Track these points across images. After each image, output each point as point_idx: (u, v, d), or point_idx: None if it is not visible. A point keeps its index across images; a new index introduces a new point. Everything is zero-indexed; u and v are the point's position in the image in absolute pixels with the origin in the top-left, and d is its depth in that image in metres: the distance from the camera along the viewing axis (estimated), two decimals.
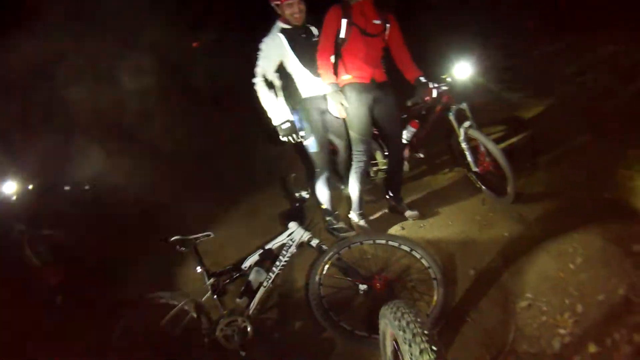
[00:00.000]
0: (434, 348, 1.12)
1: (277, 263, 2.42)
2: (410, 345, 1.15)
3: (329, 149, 3.03)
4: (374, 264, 2.56)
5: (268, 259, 2.48)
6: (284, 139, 2.84)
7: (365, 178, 3.00)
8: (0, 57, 3.76)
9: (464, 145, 2.94)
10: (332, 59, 2.71)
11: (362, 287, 2.33)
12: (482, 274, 2.40)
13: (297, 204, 2.59)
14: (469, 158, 2.97)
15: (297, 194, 2.58)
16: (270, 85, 2.81)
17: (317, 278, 2.35)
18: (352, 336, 2.19)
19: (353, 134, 2.84)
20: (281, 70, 2.83)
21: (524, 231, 2.57)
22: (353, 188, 2.98)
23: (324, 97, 2.79)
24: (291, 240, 2.46)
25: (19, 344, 2.56)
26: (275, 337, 2.54)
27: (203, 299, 2.42)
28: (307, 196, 2.58)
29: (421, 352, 1.12)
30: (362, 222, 3.02)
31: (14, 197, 3.31)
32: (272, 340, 2.52)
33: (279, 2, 2.69)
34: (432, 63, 3.25)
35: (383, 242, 2.51)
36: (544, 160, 3.17)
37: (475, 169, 2.97)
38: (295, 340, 2.50)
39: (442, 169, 3.70)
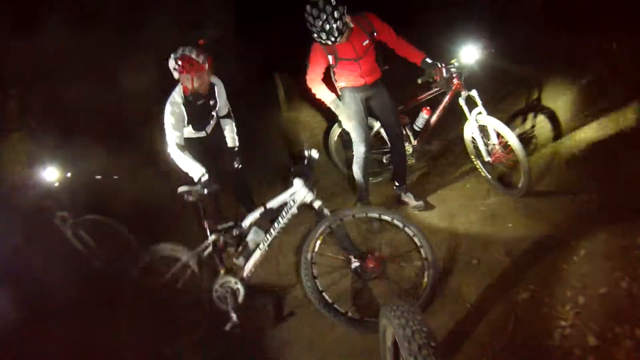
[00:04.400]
0: (432, 344, 1.14)
1: (276, 225, 2.31)
2: (409, 342, 1.17)
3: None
4: (367, 239, 2.53)
5: (268, 217, 2.37)
6: (205, 191, 2.40)
7: (367, 168, 3.02)
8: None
9: (475, 133, 2.86)
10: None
11: (355, 264, 2.28)
12: (485, 264, 2.37)
13: (306, 161, 2.37)
14: (481, 147, 2.87)
15: (307, 152, 2.39)
16: (182, 148, 2.65)
17: (309, 256, 2.22)
18: (345, 319, 2.16)
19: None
20: None
21: (528, 222, 2.52)
22: (357, 178, 3.02)
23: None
24: (293, 200, 2.30)
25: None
26: (269, 308, 2.52)
27: (205, 254, 2.39)
28: (316, 156, 2.37)
29: (420, 348, 1.13)
30: None
31: (56, 184, 3.34)
32: (265, 311, 2.49)
33: (177, 75, 2.64)
34: (441, 49, 3.17)
35: (375, 215, 2.39)
36: (551, 148, 3.04)
37: (487, 159, 2.87)
38: (288, 312, 2.51)
39: (450, 159, 3.64)
